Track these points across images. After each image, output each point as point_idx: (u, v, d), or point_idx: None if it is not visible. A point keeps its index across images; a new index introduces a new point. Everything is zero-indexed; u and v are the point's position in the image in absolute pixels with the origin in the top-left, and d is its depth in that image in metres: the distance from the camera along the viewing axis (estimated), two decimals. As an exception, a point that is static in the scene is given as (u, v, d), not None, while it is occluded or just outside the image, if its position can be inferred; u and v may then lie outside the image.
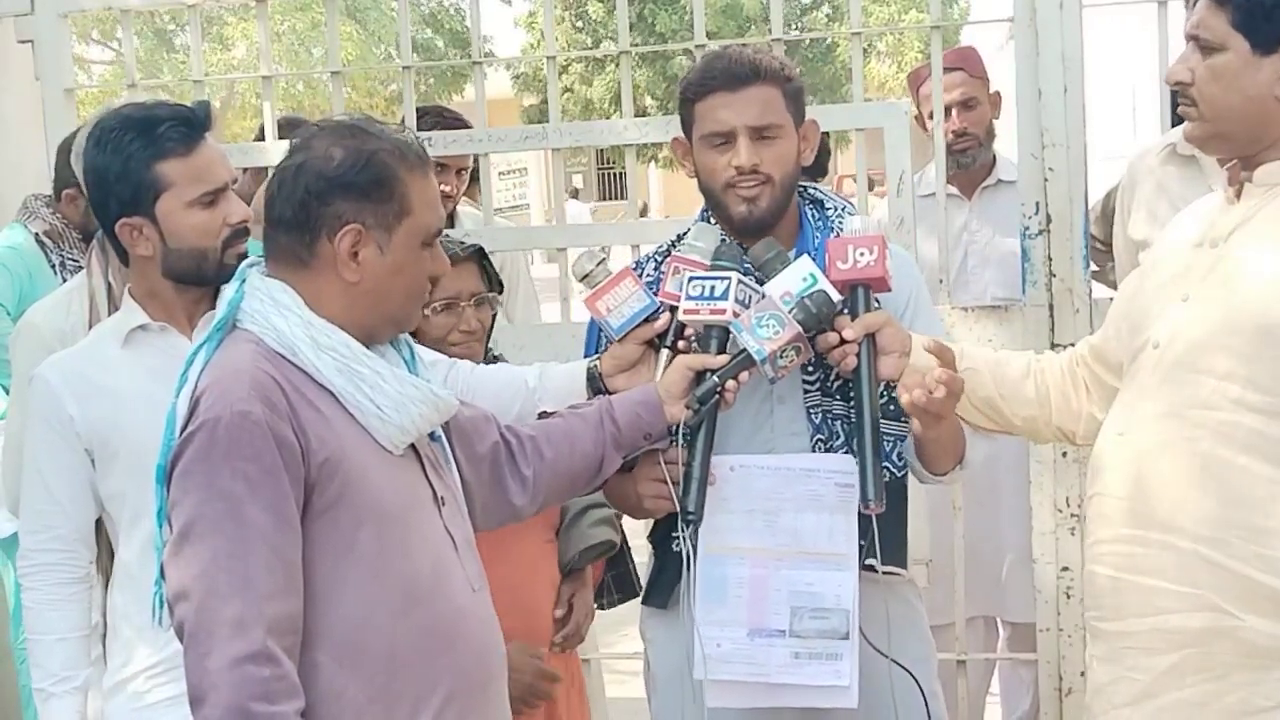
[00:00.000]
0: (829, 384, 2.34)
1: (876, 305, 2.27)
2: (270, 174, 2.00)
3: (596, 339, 2.46)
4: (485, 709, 2.02)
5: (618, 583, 2.97)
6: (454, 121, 3.87)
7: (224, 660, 1.76)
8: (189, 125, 2.35)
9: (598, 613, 2.94)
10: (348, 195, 1.92)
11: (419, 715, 1.91)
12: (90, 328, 2.55)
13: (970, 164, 3.90)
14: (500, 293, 2.76)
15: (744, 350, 2.21)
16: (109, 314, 2.55)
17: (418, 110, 3.78)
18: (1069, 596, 3.38)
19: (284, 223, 1.95)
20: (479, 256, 2.70)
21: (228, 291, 2.00)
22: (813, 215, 2.45)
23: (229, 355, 1.92)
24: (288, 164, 1.96)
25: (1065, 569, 3.38)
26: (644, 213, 17.23)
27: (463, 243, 2.71)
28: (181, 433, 1.88)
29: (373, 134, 1.97)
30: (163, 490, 1.92)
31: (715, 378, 2.22)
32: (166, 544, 1.87)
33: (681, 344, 2.33)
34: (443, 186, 3.66)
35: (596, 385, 2.39)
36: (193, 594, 1.80)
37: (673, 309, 2.33)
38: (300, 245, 1.95)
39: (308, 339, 1.92)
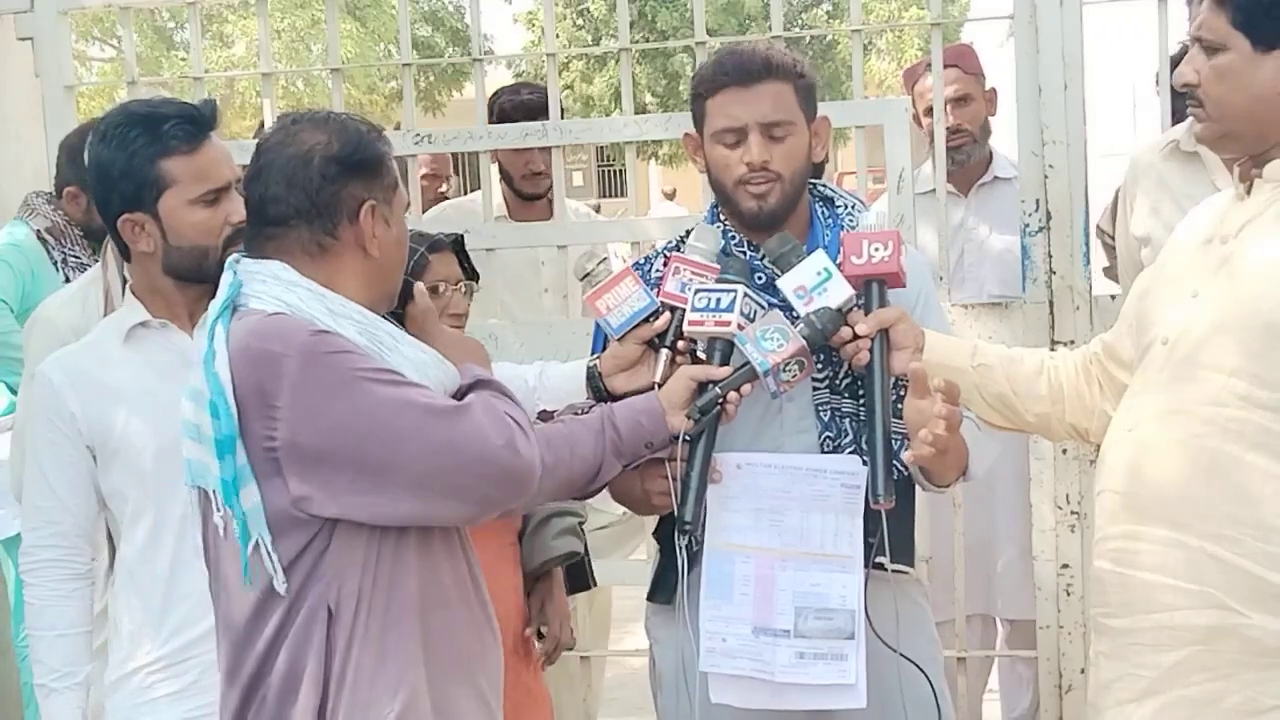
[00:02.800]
0: (838, 382, 2.34)
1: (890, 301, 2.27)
2: (261, 174, 2.00)
3: (604, 339, 2.47)
4: (470, 682, 2.07)
5: (570, 573, 2.99)
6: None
7: (496, 445, 1.94)
8: (194, 123, 2.35)
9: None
10: (358, 175, 1.98)
11: (407, 668, 1.97)
12: None
13: (965, 160, 3.89)
14: (476, 282, 2.80)
15: (747, 362, 2.21)
16: None
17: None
18: (1069, 594, 3.38)
19: (301, 213, 1.97)
20: (457, 246, 2.74)
21: (223, 278, 2.01)
22: (823, 212, 2.45)
23: (254, 317, 1.94)
24: (284, 157, 1.98)
25: (1065, 566, 3.38)
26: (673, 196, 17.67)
27: (443, 233, 2.76)
28: (240, 387, 1.88)
29: (350, 118, 2.04)
30: (234, 460, 1.90)
31: (717, 389, 2.22)
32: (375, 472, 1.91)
33: (682, 344, 2.33)
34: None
35: (596, 384, 2.39)
36: (444, 448, 1.91)
37: (673, 309, 2.33)
38: (321, 233, 1.98)
39: (324, 309, 1.94)
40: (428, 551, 2.00)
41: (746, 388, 2.22)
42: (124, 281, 2.55)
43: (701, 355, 2.29)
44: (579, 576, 3.00)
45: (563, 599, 2.92)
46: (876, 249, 2.23)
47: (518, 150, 3.84)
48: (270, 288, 1.95)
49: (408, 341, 2.00)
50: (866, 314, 2.23)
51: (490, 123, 3.79)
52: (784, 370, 2.20)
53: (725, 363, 2.26)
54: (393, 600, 1.95)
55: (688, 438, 2.23)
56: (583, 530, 2.92)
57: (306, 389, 1.87)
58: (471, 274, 2.77)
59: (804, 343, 2.19)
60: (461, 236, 2.77)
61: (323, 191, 1.96)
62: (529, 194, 3.99)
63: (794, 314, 2.26)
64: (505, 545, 2.79)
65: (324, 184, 1.96)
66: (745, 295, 2.26)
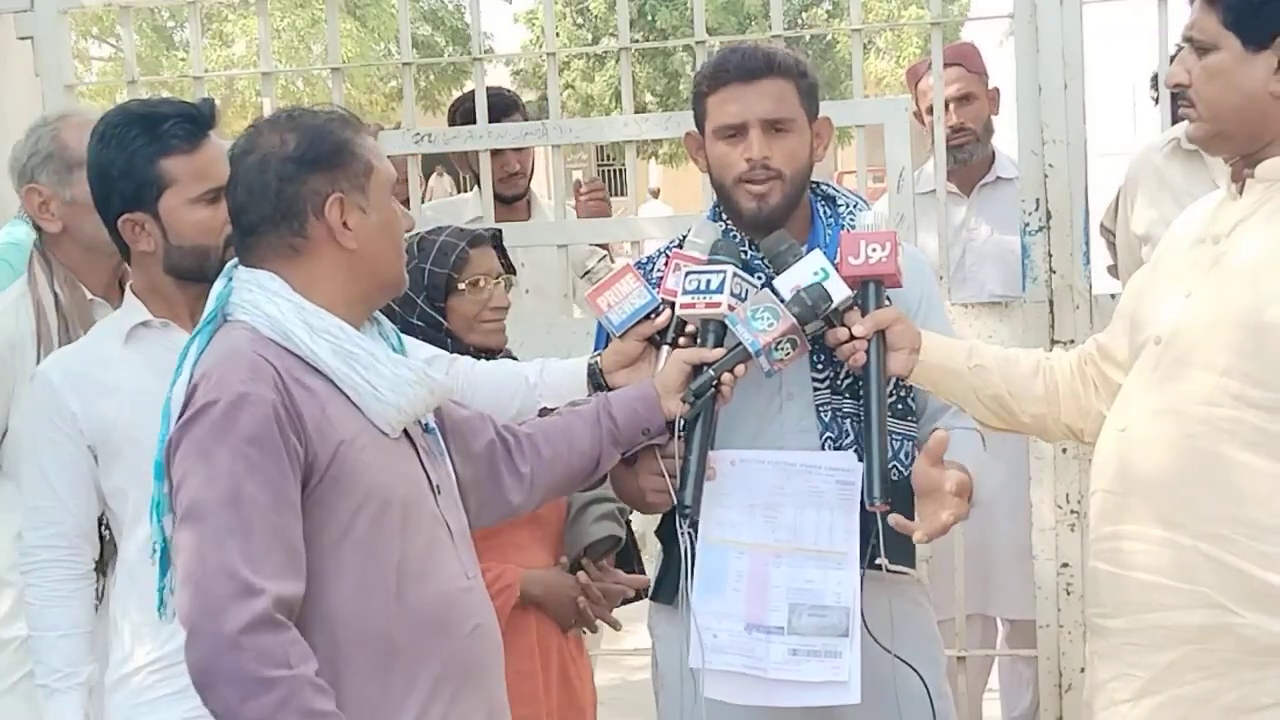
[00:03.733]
0: (838, 382, 2.35)
1: (887, 301, 2.27)
2: (230, 184, 2.02)
3: (606, 336, 2.47)
4: (478, 695, 2.04)
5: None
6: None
7: (229, 637, 1.75)
8: (193, 122, 2.36)
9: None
10: (316, 169, 1.96)
11: (410, 695, 1.93)
12: (39, 338, 2.55)
13: (967, 160, 3.89)
14: (514, 275, 2.79)
15: (740, 343, 2.21)
16: (59, 324, 2.55)
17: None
18: (1069, 593, 3.38)
19: (267, 219, 1.97)
20: (496, 240, 2.75)
21: (215, 286, 2.01)
22: (824, 211, 2.45)
23: (223, 343, 1.93)
24: (245, 165, 1.99)
25: (1065, 565, 3.38)
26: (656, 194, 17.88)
27: (485, 227, 2.78)
28: (179, 420, 1.89)
29: (310, 112, 2.02)
30: (161, 484, 1.92)
31: (711, 371, 2.22)
32: (173, 531, 1.87)
33: (683, 340, 2.33)
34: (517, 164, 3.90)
35: (597, 381, 2.39)
36: (194, 575, 1.80)
37: (673, 305, 2.33)
38: (290, 233, 1.97)
39: (301, 323, 1.93)
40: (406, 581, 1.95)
41: (740, 369, 2.23)
42: (56, 297, 2.55)
43: None
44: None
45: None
46: (874, 250, 2.23)
47: (492, 151, 3.84)
48: (254, 296, 1.95)
49: (386, 359, 1.98)
50: (864, 315, 2.23)
51: (451, 126, 3.81)
52: (776, 349, 2.20)
53: (718, 345, 2.26)
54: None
55: (684, 422, 2.23)
56: (622, 516, 2.90)
57: (193, 439, 1.85)
58: (509, 268, 2.77)
59: (794, 320, 2.19)
60: (500, 231, 2.78)
61: (282, 194, 1.96)
62: (506, 196, 3.97)
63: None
64: (549, 534, 2.76)
65: (282, 186, 1.95)
66: (734, 275, 2.26)
